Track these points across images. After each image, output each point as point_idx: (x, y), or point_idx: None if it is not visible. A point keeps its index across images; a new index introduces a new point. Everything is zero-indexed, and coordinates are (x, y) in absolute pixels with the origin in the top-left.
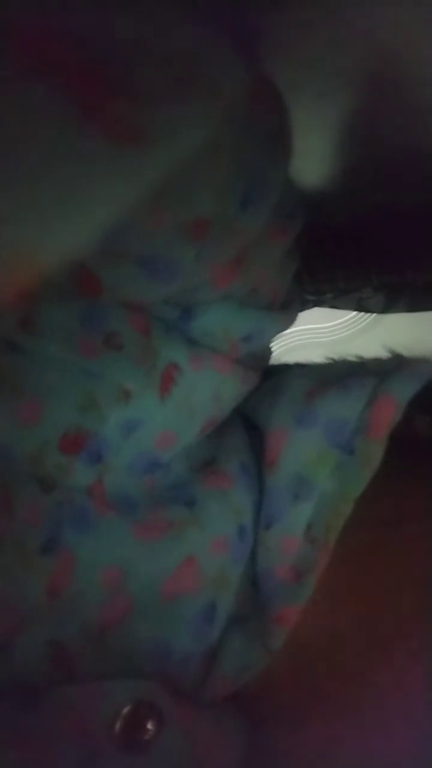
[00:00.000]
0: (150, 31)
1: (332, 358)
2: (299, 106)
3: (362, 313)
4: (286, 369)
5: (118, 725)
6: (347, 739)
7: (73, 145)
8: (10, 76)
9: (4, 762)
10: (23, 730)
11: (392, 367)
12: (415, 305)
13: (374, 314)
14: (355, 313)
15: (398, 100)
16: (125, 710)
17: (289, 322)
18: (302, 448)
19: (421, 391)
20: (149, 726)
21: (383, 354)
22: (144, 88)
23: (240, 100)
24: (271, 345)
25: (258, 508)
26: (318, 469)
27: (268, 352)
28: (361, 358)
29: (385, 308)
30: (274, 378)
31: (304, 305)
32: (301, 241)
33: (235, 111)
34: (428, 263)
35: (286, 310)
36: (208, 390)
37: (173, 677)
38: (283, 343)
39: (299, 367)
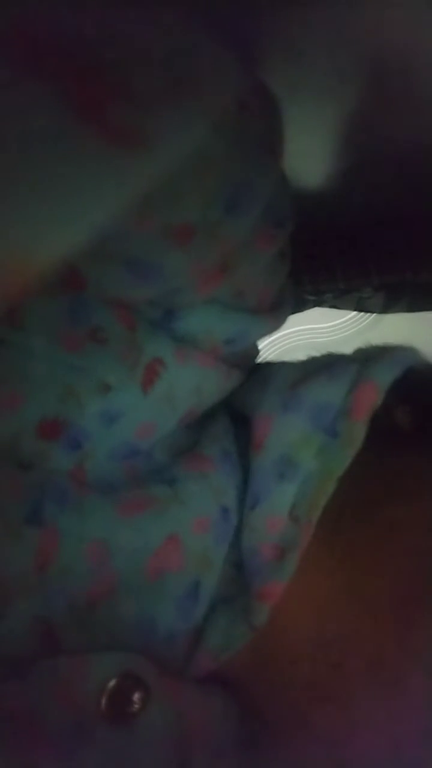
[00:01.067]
0: (149, 34)
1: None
2: (299, 106)
3: (362, 313)
4: (274, 363)
5: (104, 697)
6: (334, 709)
7: (69, 146)
8: (8, 77)
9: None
10: (11, 701)
11: (375, 354)
12: (415, 305)
13: (374, 314)
14: (355, 313)
15: (398, 100)
16: (112, 682)
17: (277, 324)
18: (288, 431)
19: (402, 380)
20: (135, 698)
21: None
22: (142, 91)
23: (234, 104)
24: (258, 344)
25: (242, 492)
26: (302, 450)
27: (254, 351)
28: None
29: (385, 308)
30: (261, 371)
31: (304, 305)
32: (301, 241)
33: (228, 115)
34: (428, 263)
35: (274, 312)
36: (190, 383)
37: (159, 654)
38: (283, 343)
39: (284, 362)
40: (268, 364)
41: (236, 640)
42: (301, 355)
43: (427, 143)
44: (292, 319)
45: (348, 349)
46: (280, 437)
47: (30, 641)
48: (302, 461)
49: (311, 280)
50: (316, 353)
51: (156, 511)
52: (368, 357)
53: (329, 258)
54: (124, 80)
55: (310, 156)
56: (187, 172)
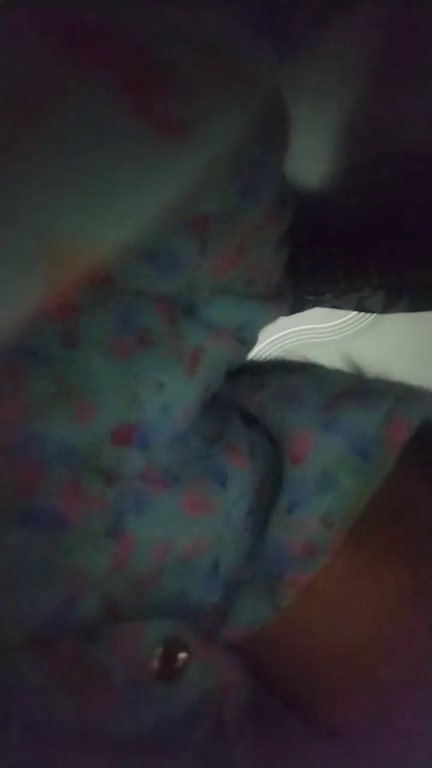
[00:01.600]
0: (196, 29)
1: (340, 367)
2: (299, 106)
3: (362, 313)
4: (275, 370)
5: (156, 657)
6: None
7: (124, 136)
8: (69, 69)
9: (72, 683)
10: (86, 658)
11: (401, 392)
12: (415, 305)
13: (374, 314)
14: (355, 313)
15: (398, 100)
16: (161, 644)
17: (281, 311)
18: (327, 451)
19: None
20: (180, 658)
21: (382, 355)
22: (189, 84)
23: (271, 97)
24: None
25: (261, 490)
26: (340, 468)
27: (257, 333)
28: (360, 369)
29: (385, 308)
30: (288, 379)
31: (304, 305)
32: (301, 241)
33: (266, 108)
34: (428, 263)
35: (278, 299)
36: (221, 361)
37: (192, 623)
38: (283, 343)
39: (312, 370)
40: (276, 373)
41: (263, 615)
42: (301, 355)
43: (427, 144)
44: (293, 319)
45: (348, 349)
46: (320, 455)
47: (98, 613)
48: (340, 478)
49: (311, 280)
50: (320, 355)
51: (209, 515)
52: (397, 392)
53: (329, 258)
54: (173, 73)
55: (309, 156)
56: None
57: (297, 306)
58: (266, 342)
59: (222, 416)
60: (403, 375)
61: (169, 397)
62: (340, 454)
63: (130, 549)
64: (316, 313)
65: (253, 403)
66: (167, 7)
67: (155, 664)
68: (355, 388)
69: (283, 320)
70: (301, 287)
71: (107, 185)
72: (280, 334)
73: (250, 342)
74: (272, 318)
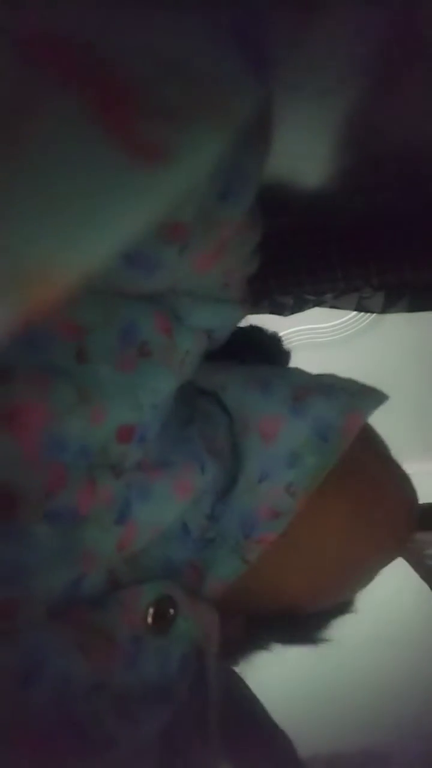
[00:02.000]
0: (172, 49)
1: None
2: (299, 106)
3: (362, 313)
4: (241, 361)
5: (150, 614)
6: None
7: (98, 161)
8: (39, 89)
9: (84, 644)
10: (93, 623)
11: (357, 388)
12: (415, 305)
13: (374, 314)
14: (355, 312)
15: (398, 100)
16: (155, 601)
17: (245, 315)
18: (296, 433)
19: None
20: (170, 613)
21: (381, 355)
22: (165, 105)
23: (252, 116)
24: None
25: (229, 464)
26: (305, 448)
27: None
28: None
29: (385, 308)
30: (253, 370)
31: (304, 305)
32: (301, 241)
33: (245, 126)
34: (428, 263)
35: (243, 304)
36: (198, 358)
37: (177, 581)
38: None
39: (254, 362)
40: (250, 368)
41: (235, 569)
42: (301, 355)
43: (427, 144)
44: (293, 319)
45: (348, 348)
46: (290, 436)
47: (103, 586)
48: (304, 456)
49: (311, 280)
50: (321, 354)
51: (194, 498)
52: (353, 389)
53: (329, 258)
54: (148, 93)
55: (310, 156)
56: None
57: (297, 306)
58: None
59: (189, 396)
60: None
61: (159, 397)
62: (305, 436)
63: (134, 533)
64: (317, 313)
65: (212, 382)
66: (144, 21)
67: (149, 620)
68: (317, 384)
69: (283, 320)
70: (301, 287)
71: (79, 210)
72: (281, 334)
73: (222, 339)
74: (239, 320)
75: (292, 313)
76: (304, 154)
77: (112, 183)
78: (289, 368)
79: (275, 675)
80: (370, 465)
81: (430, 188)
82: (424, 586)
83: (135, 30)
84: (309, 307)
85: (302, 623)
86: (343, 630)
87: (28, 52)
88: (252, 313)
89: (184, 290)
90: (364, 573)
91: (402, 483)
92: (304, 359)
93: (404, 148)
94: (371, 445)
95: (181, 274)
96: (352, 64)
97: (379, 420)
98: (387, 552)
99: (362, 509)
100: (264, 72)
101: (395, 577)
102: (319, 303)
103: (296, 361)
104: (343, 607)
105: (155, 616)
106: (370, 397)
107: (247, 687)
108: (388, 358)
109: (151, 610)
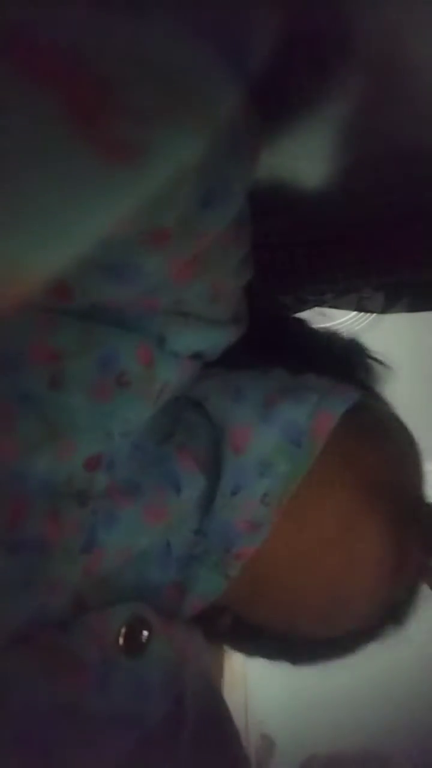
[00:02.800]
0: (150, 47)
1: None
2: (296, 108)
3: (362, 313)
4: (226, 367)
5: (121, 636)
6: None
7: (67, 159)
8: (9, 84)
9: (50, 669)
10: (60, 647)
11: (327, 387)
12: (415, 305)
13: (374, 315)
14: (355, 312)
15: (398, 99)
16: (125, 624)
17: (238, 335)
18: (266, 440)
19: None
20: (143, 635)
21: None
22: (140, 105)
23: (230, 119)
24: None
25: (210, 479)
26: (277, 455)
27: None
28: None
29: (385, 308)
30: (220, 375)
31: (304, 305)
32: (301, 241)
33: (224, 130)
34: (428, 263)
35: (237, 323)
36: (179, 386)
37: (154, 602)
38: None
39: (239, 368)
40: (228, 369)
41: (216, 586)
42: None
43: (427, 143)
44: None
45: None
46: (260, 445)
47: (68, 609)
48: (276, 464)
49: (311, 280)
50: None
51: (167, 523)
52: (324, 388)
53: (329, 258)
54: (122, 93)
55: (309, 156)
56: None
57: (297, 306)
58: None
59: (174, 410)
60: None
61: (131, 426)
62: (276, 443)
63: (101, 559)
64: (317, 313)
65: (198, 390)
66: (120, 20)
67: (120, 641)
68: (288, 386)
69: None
70: (301, 287)
71: (45, 209)
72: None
73: (213, 358)
74: (232, 340)
75: (292, 313)
76: (304, 154)
77: (84, 182)
78: (273, 370)
79: (276, 673)
80: (356, 465)
81: (430, 188)
82: (423, 585)
83: (110, 29)
84: (309, 308)
85: (286, 643)
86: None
87: (2, 50)
88: None
89: (172, 309)
90: (356, 594)
91: (400, 486)
92: None
93: (404, 149)
94: (359, 443)
95: (161, 284)
96: (352, 64)
97: None
98: (387, 572)
99: (347, 516)
100: (243, 72)
101: None
102: (318, 303)
103: None
104: (338, 647)
105: (127, 638)
106: (342, 395)
107: (222, 706)
108: (389, 358)
109: (122, 632)
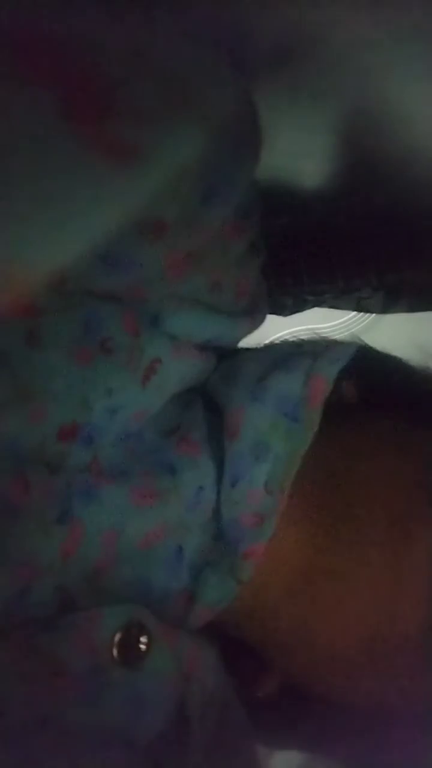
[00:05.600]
0: (149, 47)
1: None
2: (298, 106)
3: (362, 314)
4: (237, 353)
5: (115, 643)
6: (320, 626)
7: (67, 160)
8: (8, 79)
9: (24, 673)
10: (40, 647)
11: (322, 348)
12: (415, 305)
13: (374, 315)
14: (354, 313)
15: (398, 99)
16: (121, 628)
17: (255, 326)
18: (258, 419)
19: (347, 364)
20: (141, 642)
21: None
22: (139, 105)
23: (228, 119)
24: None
25: (218, 472)
26: (272, 434)
27: (234, 343)
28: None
29: (385, 308)
30: (228, 361)
31: (304, 305)
32: (301, 240)
33: (222, 130)
34: (427, 263)
35: (252, 314)
36: (180, 374)
37: (157, 609)
38: None
39: (247, 350)
40: (236, 354)
41: (227, 593)
42: None
43: (427, 144)
44: (293, 319)
45: None
46: (252, 425)
47: (52, 605)
48: (273, 444)
49: (310, 280)
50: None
51: (160, 503)
52: (317, 351)
53: (328, 258)
54: (121, 93)
55: (309, 156)
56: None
57: (296, 306)
58: (266, 342)
59: (185, 403)
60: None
61: (117, 401)
62: (270, 420)
63: (79, 537)
64: (317, 313)
65: (209, 385)
66: (120, 20)
67: (114, 650)
68: (281, 357)
69: (283, 320)
70: (301, 287)
71: (44, 209)
72: (281, 334)
73: (225, 349)
74: (245, 333)
75: (291, 313)
76: (303, 153)
77: (84, 182)
78: (266, 346)
79: None
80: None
81: (430, 188)
82: None
83: (111, 29)
84: (308, 308)
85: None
86: None
87: (4, 50)
88: None
89: (166, 294)
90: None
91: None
92: None
93: (404, 149)
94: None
95: (154, 276)
96: (348, 65)
97: None
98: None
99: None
100: (244, 72)
101: None
102: (318, 303)
103: None
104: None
105: (122, 646)
106: (336, 351)
107: (242, 725)
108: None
109: (117, 637)
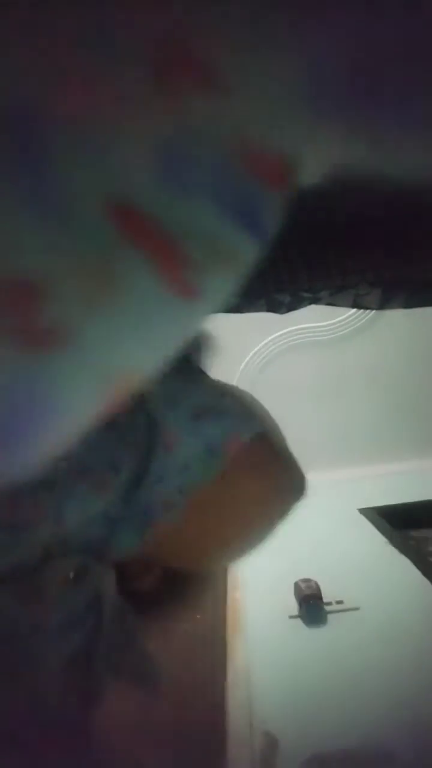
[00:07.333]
0: (195, 220)
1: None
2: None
3: (360, 312)
4: (179, 375)
5: (72, 575)
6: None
7: (165, 304)
8: (122, 252)
9: (24, 598)
10: (33, 582)
11: (240, 412)
12: (412, 301)
13: (372, 312)
14: (353, 311)
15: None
16: (74, 569)
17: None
18: (189, 448)
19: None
20: (84, 573)
21: (380, 352)
22: (197, 260)
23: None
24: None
25: (138, 465)
26: (196, 461)
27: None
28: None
29: (382, 304)
30: (171, 381)
31: (300, 303)
32: (298, 238)
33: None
34: (423, 258)
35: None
36: None
37: (90, 552)
38: (282, 342)
39: (187, 381)
40: (177, 378)
41: (133, 543)
42: (300, 354)
43: (425, 144)
44: (292, 317)
45: (347, 347)
46: (185, 450)
47: (40, 556)
48: (193, 467)
49: (307, 277)
50: (319, 354)
51: (107, 494)
52: (237, 413)
53: (325, 254)
54: (188, 252)
55: (308, 155)
56: None
57: (293, 304)
58: (266, 341)
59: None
60: (401, 372)
61: None
62: (196, 452)
63: (65, 527)
64: (317, 312)
65: (151, 396)
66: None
67: (72, 578)
68: (211, 407)
69: (282, 319)
70: (297, 284)
71: (149, 334)
72: (280, 333)
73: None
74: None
75: (289, 311)
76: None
77: (172, 315)
78: (202, 382)
79: (279, 672)
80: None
81: (427, 187)
82: (426, 582)
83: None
84: (305, 305)
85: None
86: (345, 627)
87: (116, 224)
88: (249, 311)
89: None
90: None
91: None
92: (304, 358)
93: (403, 148)
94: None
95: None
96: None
97: (379, 417)
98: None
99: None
100: (260, 235)
101: (397, 574)
102: (315, 300)
103: (297, 361)
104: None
105: (75, 577)
106: (248, 423)
107: (129, 616)
108: (387, 356)
109: (71, 574)
